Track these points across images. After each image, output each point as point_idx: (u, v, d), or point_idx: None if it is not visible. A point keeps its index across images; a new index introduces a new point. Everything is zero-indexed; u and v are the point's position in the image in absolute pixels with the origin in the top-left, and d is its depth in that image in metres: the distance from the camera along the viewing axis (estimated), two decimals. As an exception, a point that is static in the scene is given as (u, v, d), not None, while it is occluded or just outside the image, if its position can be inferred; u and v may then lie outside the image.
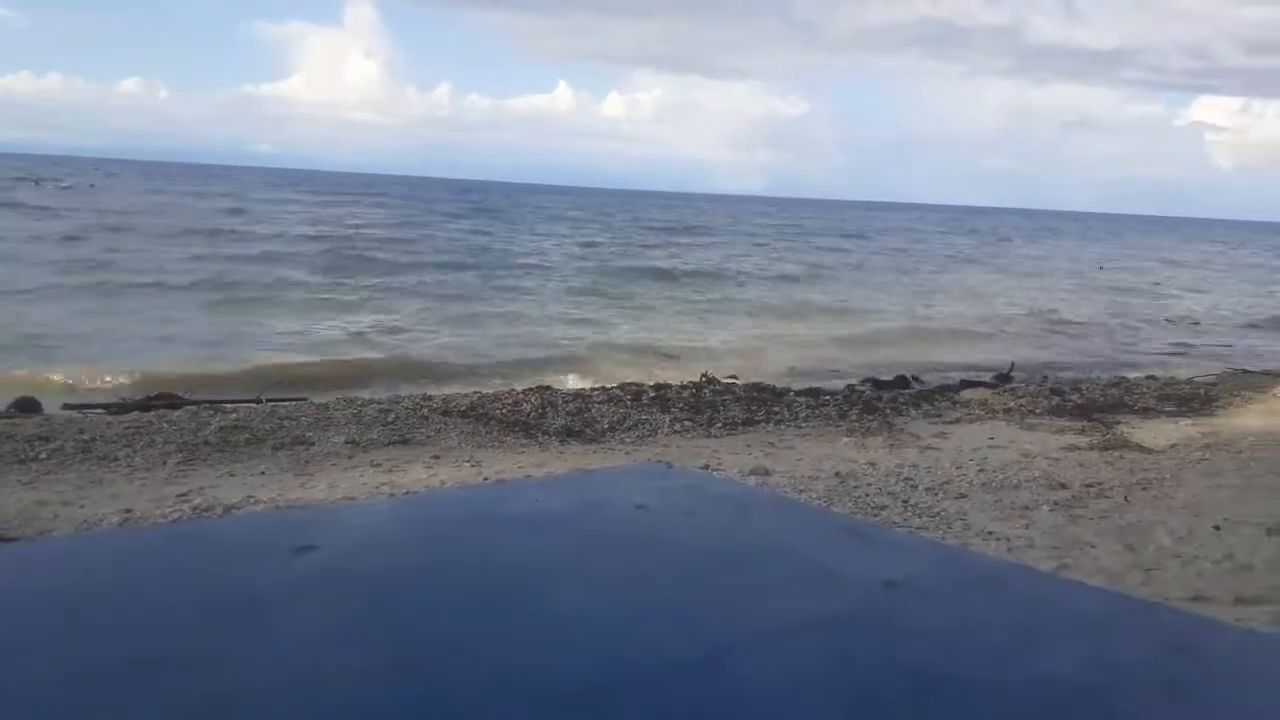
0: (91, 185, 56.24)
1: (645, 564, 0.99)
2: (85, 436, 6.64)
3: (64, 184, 54.00)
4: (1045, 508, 5.59)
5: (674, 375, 10.84)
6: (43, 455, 6.20)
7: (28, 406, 8.48)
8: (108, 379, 10.33)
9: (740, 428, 8.10)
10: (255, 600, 0.87)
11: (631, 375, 10.95)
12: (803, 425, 8.30)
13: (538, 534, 1.07)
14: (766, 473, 6.31)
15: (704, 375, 10.57)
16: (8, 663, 0.75)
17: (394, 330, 14.90)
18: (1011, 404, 9.53)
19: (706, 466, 6.33)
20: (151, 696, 0.70)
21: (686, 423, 8.13)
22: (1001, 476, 6.31)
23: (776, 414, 8.64)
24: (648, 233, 45.17)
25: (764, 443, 7.49)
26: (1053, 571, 3.84)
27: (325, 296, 17.94)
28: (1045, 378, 12.37)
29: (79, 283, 17.38)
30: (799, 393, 9.98)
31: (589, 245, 35.16)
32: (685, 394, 9.37)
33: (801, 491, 5.77)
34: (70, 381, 10.15)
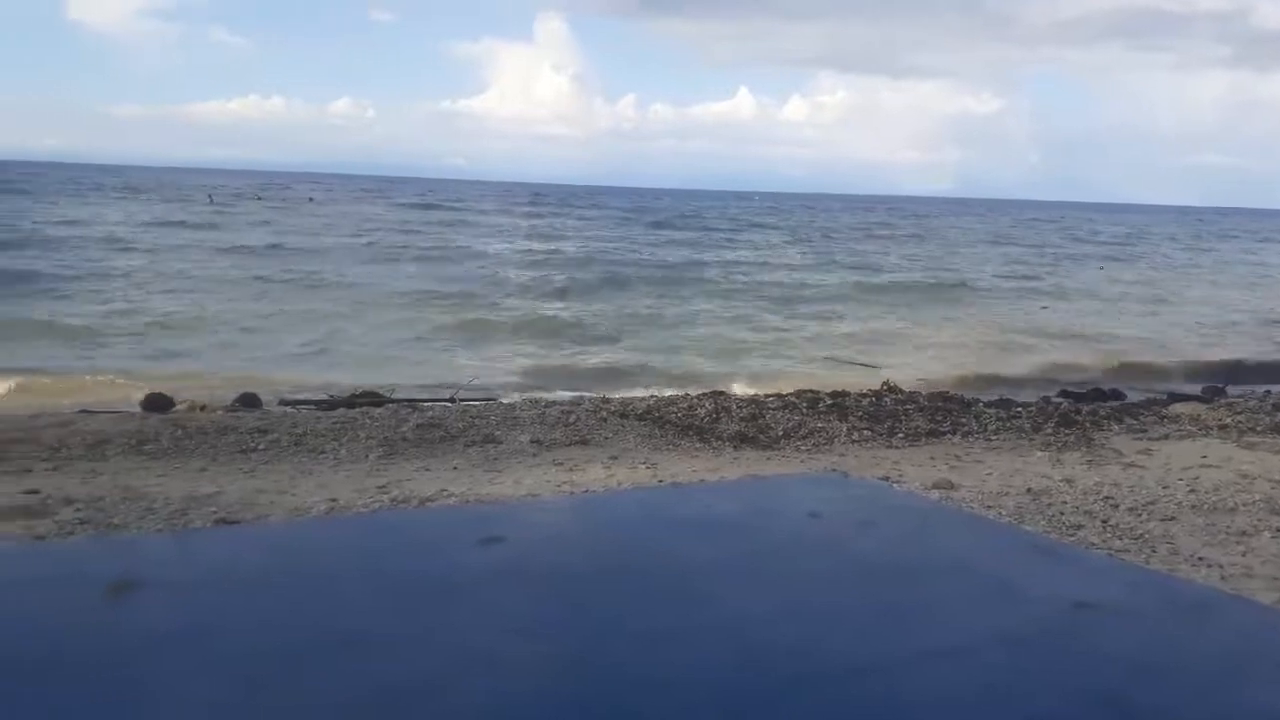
0: (310, 199, 60.76)
1: (816, 573, 0.98)
2: (298, 430, 7.21)
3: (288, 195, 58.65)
4: (1266, 534, 5.09)
5: (855, 382, 10.60)
6: (261, 446, 6.78)
7: (250, 402, 9.32)
8: (324, 378, 11.17)
9: (924, 439, 7.82)
10: (446, 588, 0.92)
11: (814, 382, 10.79)
12: (992, 438, 7.92)
13: (709, 538, 1.08)
14: (951, 486, 6.06)
15: (885, 383, 10.27)
16: (224, 636, 0.83)
17: (597, 338, 15.18)
18: (1227, 420, 8.72)
19: (886, 478, 6.16)
20: (355, 674, 0.75)
21: (865, 432, 7.93)
22: (1215, 498, 5.79)
23: (964, 425, 8.28)
24: (844, 238, 44.25)
25: (949, 455, 7.20)
26: (1274, 605, 3.49)
27: (549, 313, 17.83)
28: (1268, 392, 11.24)
29: (307, 293, 18.70)
30: (989, 404, 9.53)
31: (786, 247, 34.84)
32: (865, 402, 9.14)
33: (989, 508, 5.51)
34: (290, 377, 11.07)
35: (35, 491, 5.45)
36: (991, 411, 8.96)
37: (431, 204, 58.81)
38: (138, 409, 8.72)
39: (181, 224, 34.55)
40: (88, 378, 10.81)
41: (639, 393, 10.12)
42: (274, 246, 27.39)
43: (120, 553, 1.41)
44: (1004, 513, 5.43)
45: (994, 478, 6.41)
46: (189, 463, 6.36)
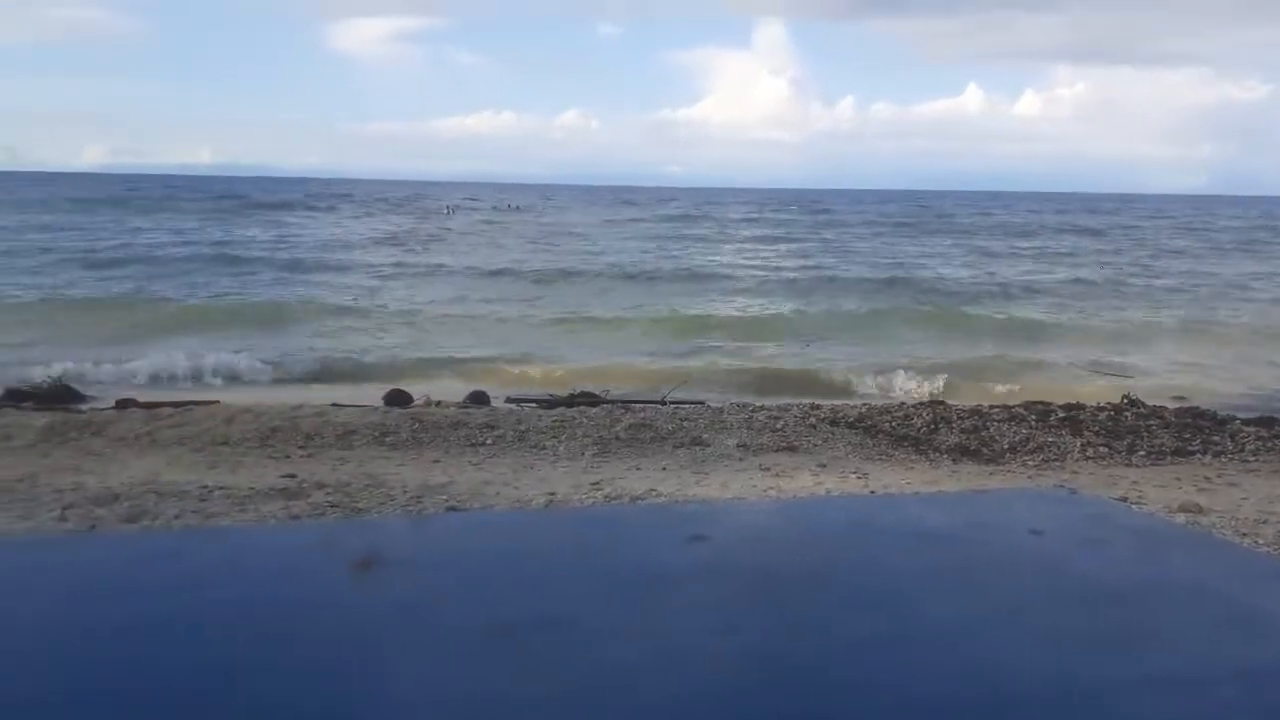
0: (548, 199, 63.43)
1: (1032, 590, 0.94)
2: (522, 427, 7.60)
3: (515, 205, 61.51)
4: None
5: (1091, 393, 9.87)
6: (488, 441, 7.21)
7: (479, 399, 9.93)
8: (555, 373, 11.74)
9: (1169, 458, 7.17)
10: (651, 582, 0.95)
11: (1047, 393, 10.14)
12: (1250, 459, 7.14)
13: (918, 549, 1.05)
14: (1199, 510, 5.52)
15: (1125, 396, 9.49)
16: (451, 612, 0.90)
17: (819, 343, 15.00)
18: None
19: (1124, 498, 5.69)
20: (563, 656, 0.80)
21: (1101, 448, 7.37)
22: None
23: (1216, 444, 7.52)
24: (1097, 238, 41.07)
25: (1197, 476, 6.56)
26: None
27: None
28: None
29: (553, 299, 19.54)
30: (1247, 421, 8.59)
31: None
32: (1101, 416, 8.49)
33: (1244, 535, 4.97)
34: (519, 372, 11.73)
35: (292, 476, 6.06)
36: (1251, 430, 8.07)
37: (684, 215, 57.19)
38: (380, 403, 9.49)
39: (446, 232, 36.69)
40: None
41: (852, 400, 9.91)
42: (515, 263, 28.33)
43: (365, 533, 1.55)
44: (1261, 541, 4.88)
45: (1250, 503, 5.77)
46: (424, 454, 6.86)
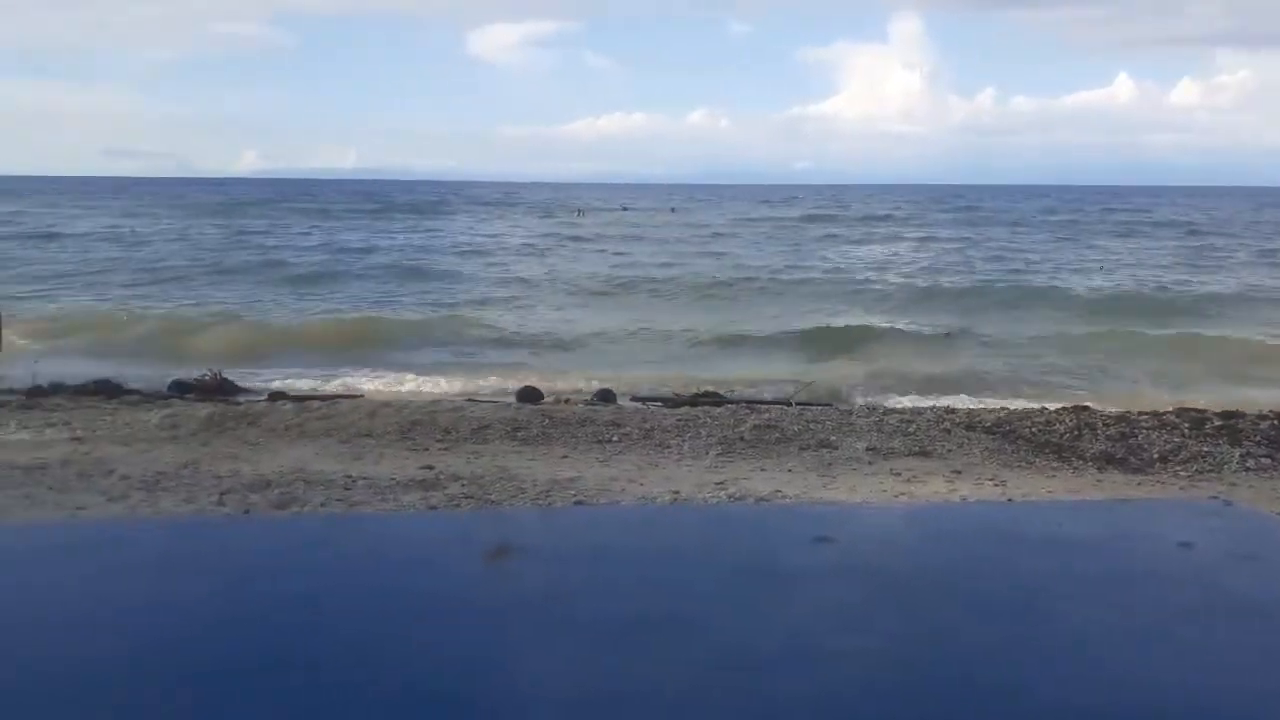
0: (670, 199, 63.05)
1: (1182, 605, 0.89)
2: (647, 425, 7.67)
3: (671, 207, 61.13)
4: None
5: (1246, 400, 9.21)
6: (615, 439, 7.30)
7: (606, 397, 10.07)
8: (672, 376, 11.79)
9: (1343, 472, 6.62)
10: (776, 580, 0.95)
11: (1200, 400, 9.52)
12: None
13: (1059, 557, 1.01)
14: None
15: (1292, 405, 8.81)
16: (580, 601, 0.92)
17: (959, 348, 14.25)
18: None
19: (1289, 514, 5.29)
20: (688, 648, 0.81)
21: (1264, 459, 6.87)
22: None
23: (1399, 459, 6.90)
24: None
25: (1377, 493, 6.04)
26: None
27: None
28: None
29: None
30: None
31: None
32: (1264, 425, 7.91)
33: None
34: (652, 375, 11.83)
35: (430, 468, 6.29)
36: None
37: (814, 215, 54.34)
38: (513, 400, 9.75)
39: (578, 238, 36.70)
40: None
41: (989, 403, 9.56)
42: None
43: (498, 524, 1.61)
44: None
45: None
46: (553, 450, 7.01)
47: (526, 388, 10.43)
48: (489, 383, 11.47)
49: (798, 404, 9.37)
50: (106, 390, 9.98)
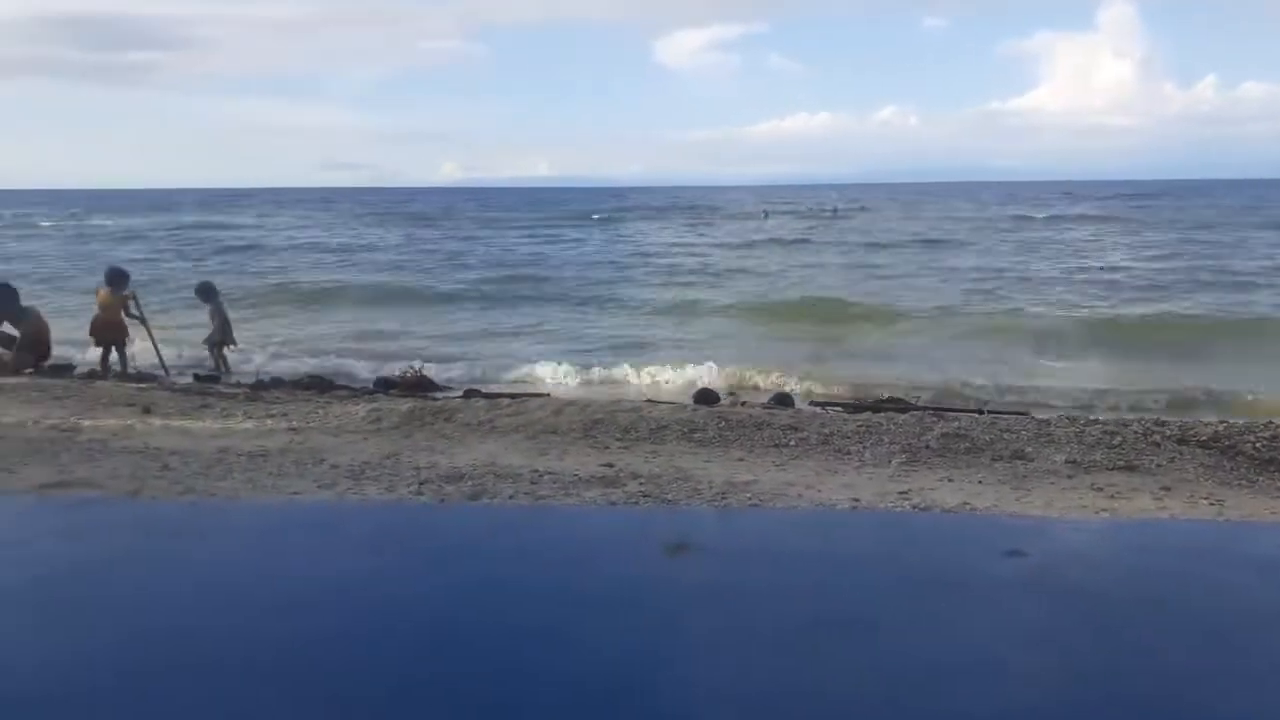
0: (853, 200, 61.36)
1: None
2: (826, 430, 7.54)
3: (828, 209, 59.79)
4: None
5: None
6: (792, 443, 7.22)
7: (783, 401, 9.98)
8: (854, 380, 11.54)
9: None
10: (961, 591, 0.93)
11: None
12: None
13: (1276, 584, 0.93)
14: None
15: None
16: (753, 601, 0.93)
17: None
18: None
19: None
20: (862, 655, 0.80)
21: None
22: None
23: None
24: None
25: None
26: None
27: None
28: None
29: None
30: None
31: None
32: None
33: None
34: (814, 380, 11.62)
35: (610, 465, 6.45)
36: None
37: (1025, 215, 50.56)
38: (690, 402, 9.84)
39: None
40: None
41: (1207, 416, 8.78)
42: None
43: (676, 521, 1.63)
44: None
45: None
46: (729, 452, 7.02)
47: (703, 390, 10.50)
48: (667, 385, 11.62)
49: (989, 412, 8.95)
50: (319, 385, 10.84)
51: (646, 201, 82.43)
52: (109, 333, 11.53)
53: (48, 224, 53.05)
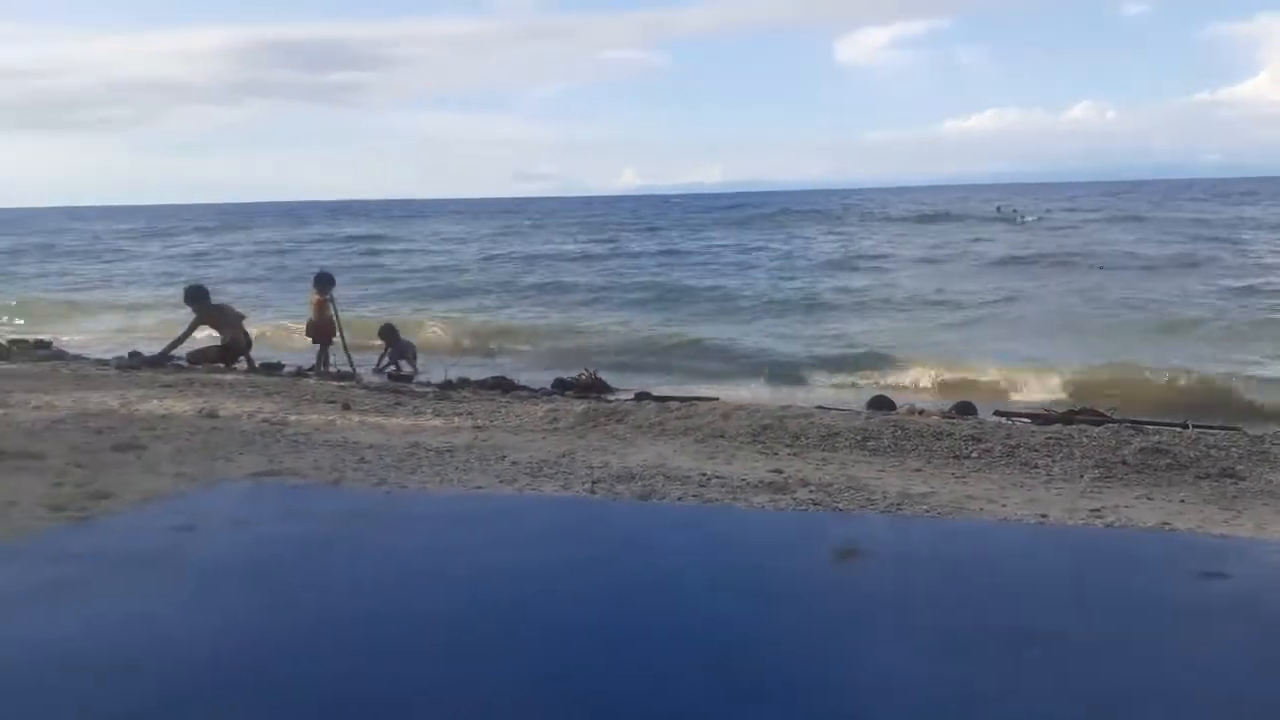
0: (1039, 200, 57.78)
1: None
2: (1011, 442, 7.19)
3: (1027, 218, 55.86)
4: None
5: None
6: (973, 454, 6.93)
7: (965, 410, 9.58)
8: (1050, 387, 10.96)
9: None
10: (1150, 610, 0.88)
11: None
12: None
13: None
14: None
15: None
16: (919, 612, 0.91)
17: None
18: None
19: None
20: (1045, 670, 0.77)
21: None
22: None
23: None
24: None
25: None
26: None
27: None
28: None
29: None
30: None
31: None
32: None
33: None
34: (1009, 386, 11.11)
35: (779, 471, 6.40)
36: None
37: None
38: (864, 408, 9.62)
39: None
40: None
41: None
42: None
43: (845, 526, 1.62)
44: None
45: None
46: (905, 462, 6.81)
47: (877, 396, 10.24)
48: (839, 390, 11.41)
49: (1196, 426, 8.27)
50: (502, 386, 11.32)
51: (827, 203, 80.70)
52: (322, 333, 12.53)
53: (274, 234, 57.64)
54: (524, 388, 11.40)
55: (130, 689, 0.73)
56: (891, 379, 12.26)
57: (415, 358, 13.13)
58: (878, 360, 13.45)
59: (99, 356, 13.60)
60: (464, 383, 11.55)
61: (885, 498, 5.74)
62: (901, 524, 2.33)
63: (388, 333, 13.39)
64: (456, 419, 8.43)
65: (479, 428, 8.00)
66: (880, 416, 8.71)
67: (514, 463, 6.53)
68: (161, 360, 12.09)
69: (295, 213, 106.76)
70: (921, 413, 9.32)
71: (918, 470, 6.57)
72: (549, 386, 11.61)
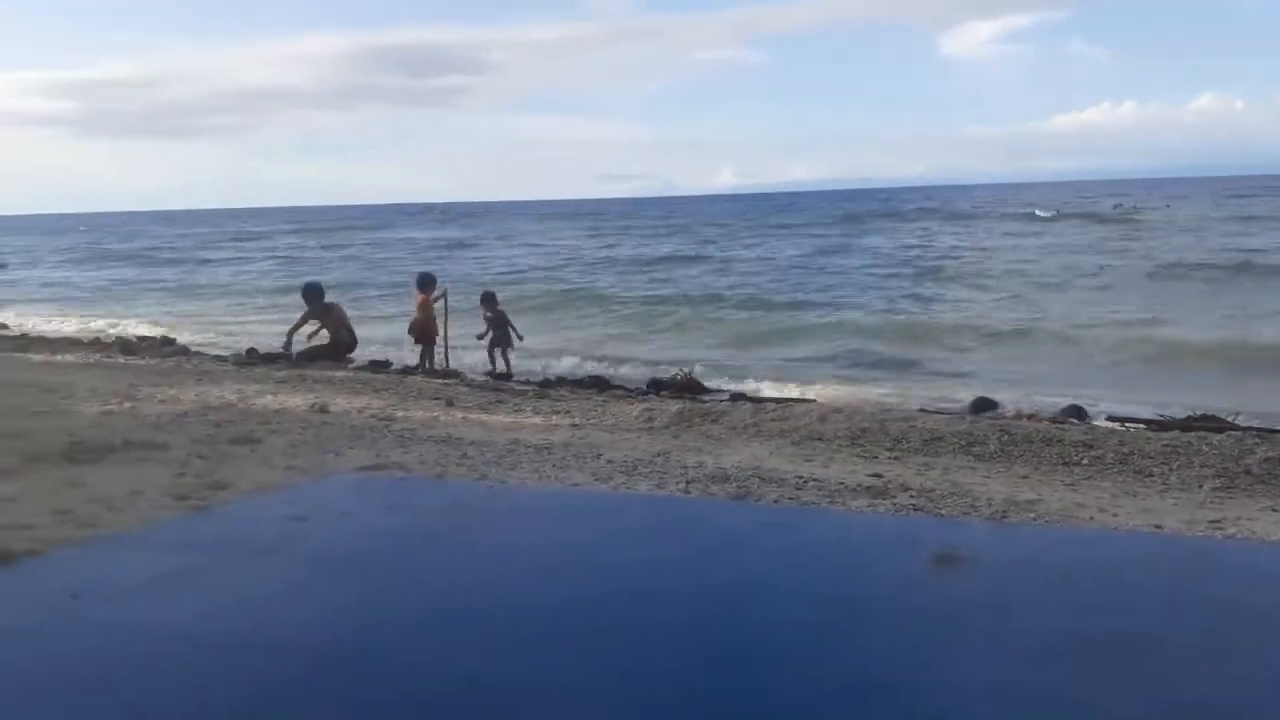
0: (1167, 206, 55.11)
1: None
2: (1124, 449, 6.90)
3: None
4: None
5: None
6: (1084, 461, 6.67)
7: (1076, 414, 9.23)
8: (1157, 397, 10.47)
9: None
10: (1259, 620, 0.84)
11: None
12: None
13: None
14: None
15: None
16: (1025, 617, 0.89)
17: None
18: None
19: None
20: (1145, 677, 0.75)
21: None
22: None
23: None
24: None
25: None
26: None
27: None
28: None
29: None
30: None
31: None
32: None
33: None
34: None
35: (878, 475, 6.28)
36: None
37: None
38: (967, 412, 9.36)
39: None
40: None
41: None
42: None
43: (947, 532, 1.59)
44: None
45: None
46: (1012, 468, 6.60)
47: (980, 398, 9.95)
48: (941, 392, 11.13)
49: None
50: (599, 385, 11.44)
51: (936, 200, 78.34)
52: (425, 332, 12.90)
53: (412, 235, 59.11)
54: (620, 387, 11.50)
55: (251, 668, 0.77)
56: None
57: (513, 327, 13.26)
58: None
59: (218, 353, 14.31)
60: (561, 381, 11.72)
61: (990, 504, 5.58)
62: (1005, 530, 2.27)
63: (487, 300, 13.57)
64: (554, 417, 8.56)
65: (576, 426, 8.10)
66: (986, 420, 8.47)
67: (609, 461, 6.59)
68: (285, 350, 12.66)
69: (392, 213, 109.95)
70: (1030, 417, 9.02)
71: (1025, 477, 6.37)
72: (644, 386, 11.68)
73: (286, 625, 0.88)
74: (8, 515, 4.45)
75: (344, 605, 0.94)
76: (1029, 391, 10.91)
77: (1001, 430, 7.63)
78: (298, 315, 13.27)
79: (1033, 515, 5.35)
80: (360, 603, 0.95)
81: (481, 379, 11.81)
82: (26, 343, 15.43)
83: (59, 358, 12.59)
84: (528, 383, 11.59)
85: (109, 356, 13.02)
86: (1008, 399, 10.27)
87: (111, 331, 18.24)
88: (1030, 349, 14.69)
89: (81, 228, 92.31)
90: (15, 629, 0.87)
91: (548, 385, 11.28)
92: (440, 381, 11.08)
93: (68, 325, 20.48)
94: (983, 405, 9.63)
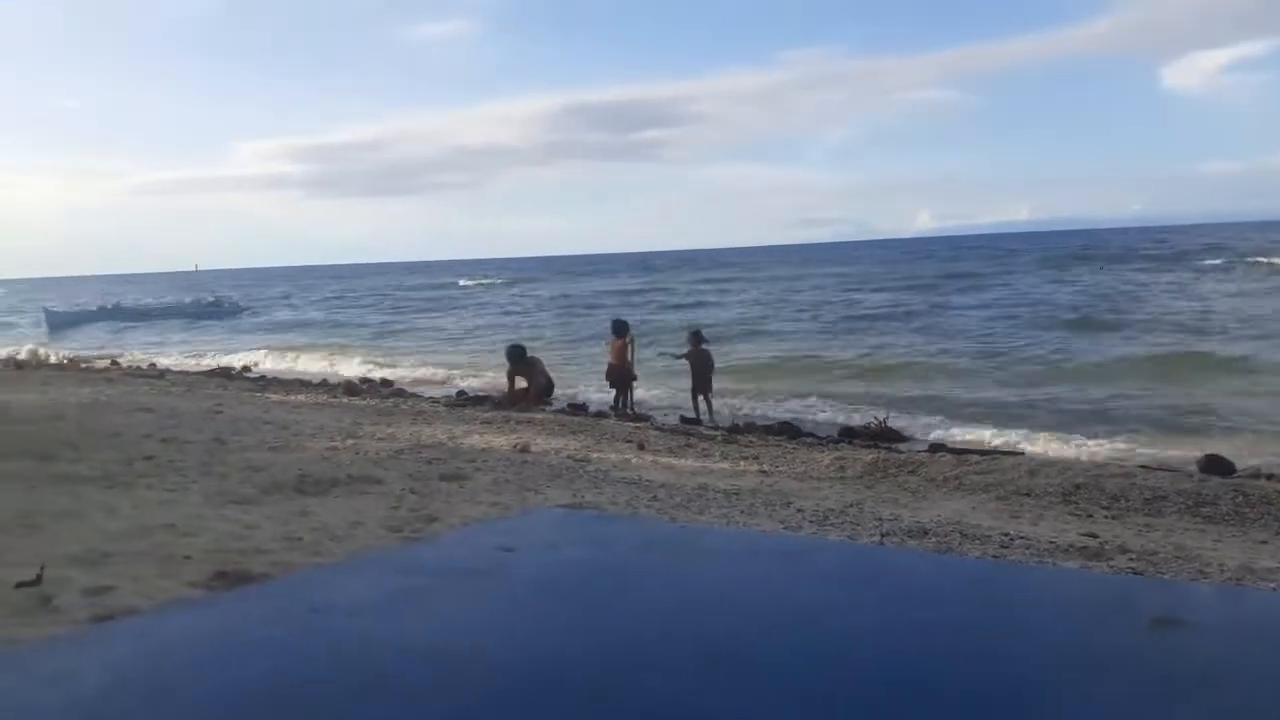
0: None
1: None
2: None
3: None
4: None
5: None
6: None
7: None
8: None
9: None
10: None
11: None
12: None
13: None
14: None
15: None
16: (1242, 687, 0.83)
17: None
18: None
19: None
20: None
21: None
22: None
23: None
24: None
25: None
26: None
27: None
28: None
29: None
30: None
31: None
32: None
33: None
34: None
35: (1093, 535, 5.86)
36: None
37: None
38: (1195, 470, 8.58)
39: None
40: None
41: None
42: None
43: (1164, 594, 1.49)
44: None
45: None
46: (1248, 532, 6.00)
47: (1211, 457, 9.07)
48: (1161, 449, 10.25)
49: None
50: (788, 432, 11.33)
51: (1168, 241, 71.44)
52: (621, 376, 13.28)
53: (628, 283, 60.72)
54: (810, 435, 11.33)
55: (468, 680, 0.84)
56: None
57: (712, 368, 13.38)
58: None
59: (431, 395, 15.26)
60: (750, 427, 11.68)
61: (1222, 570, 5.08)
62: (1236, 594, 2.07)
63: (694, 337, 13.51)
64: (743, 463, 8.54)
65: (764, 472, 8.05)
66: (1217, 480, 7.73)
67: (799, 510, 6.50)
68: (503, 403, 13.37)
69: (601, 264, 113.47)
70: (1270, 477, 8.15)
71: (1264, 542, 5.76)
72: (835, 434, 11.45)
73: (501, 644, 0.95)
74: (248, 540, 4.91)
75: (552, 628, 1.00)
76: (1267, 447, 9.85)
77: (1235, 490, 6.94)
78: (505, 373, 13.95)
79: (1273, 585, 4.82)
80: (567, 626, 1.01)
81: (672, 423, 11.98)
82: (265, 384, 17.04)
83: (292, 398, 13.81)
84: (716, 427, 11.64)
85: (335, 397, 14.17)
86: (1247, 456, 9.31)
87: (343, 373, 19.86)
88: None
89: (330, 279, 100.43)
90: (265, 638, 1.00)
91: (736, 431, 11.27)
92: (632, 425, 11.32)
93: (304, 364, 22.46)
94: (1215, 464, 8.79)
